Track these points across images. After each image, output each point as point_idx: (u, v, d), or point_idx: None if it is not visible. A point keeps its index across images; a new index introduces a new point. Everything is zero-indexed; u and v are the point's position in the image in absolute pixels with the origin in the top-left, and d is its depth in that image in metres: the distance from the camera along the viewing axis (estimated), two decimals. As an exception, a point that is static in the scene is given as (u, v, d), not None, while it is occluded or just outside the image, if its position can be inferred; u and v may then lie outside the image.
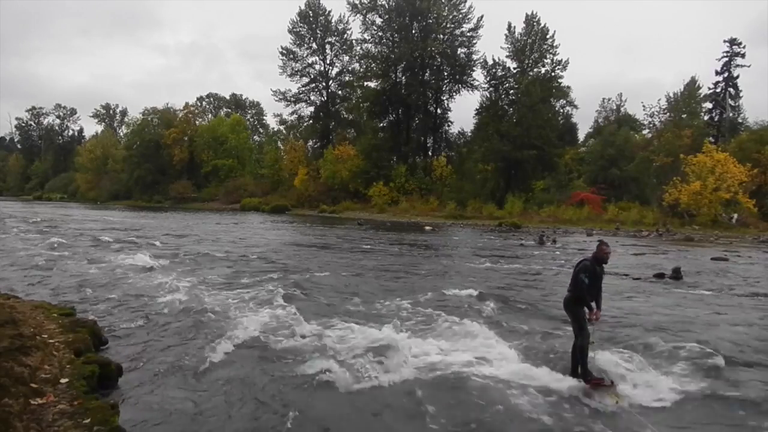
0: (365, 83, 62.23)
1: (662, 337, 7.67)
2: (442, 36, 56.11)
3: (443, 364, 6.53)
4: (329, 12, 63.50)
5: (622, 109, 63.92)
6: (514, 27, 50.66)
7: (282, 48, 64.26)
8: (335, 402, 5.44)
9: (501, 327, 8.36)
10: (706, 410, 5.53)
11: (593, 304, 5.96)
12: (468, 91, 57.58)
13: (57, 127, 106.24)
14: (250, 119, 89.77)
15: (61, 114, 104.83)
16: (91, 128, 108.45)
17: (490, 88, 52.52)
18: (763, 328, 8.78)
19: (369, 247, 21.70)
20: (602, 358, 6.38)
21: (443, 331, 7.92)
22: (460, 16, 55.77)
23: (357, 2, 57.48)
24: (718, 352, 6.99)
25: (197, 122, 77.44)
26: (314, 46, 64.17)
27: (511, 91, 51.28)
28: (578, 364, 5.99)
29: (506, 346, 7.19)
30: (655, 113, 50.99)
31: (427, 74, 58.01)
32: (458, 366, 6.46)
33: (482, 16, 55.49)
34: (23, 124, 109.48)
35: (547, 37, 49.83)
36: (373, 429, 5.00)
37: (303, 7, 63.12)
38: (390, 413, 5.25)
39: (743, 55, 50.01)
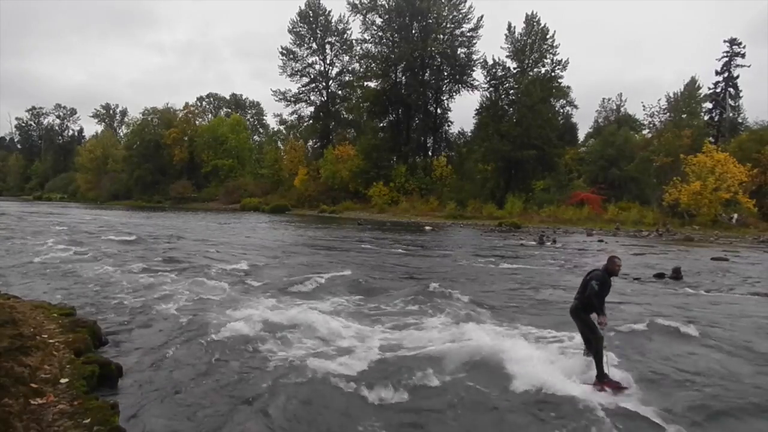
0: (365, 83, 62.36)
1: (660, 335, 7.67)
2: (442, 36, 56.09)
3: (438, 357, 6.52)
4: (329, 12, 63.76)
5: (622, 109, 64.00)
6: (514, 27, 50.78)
7: (282, 48, 64.55)
8: (338, 398, 5.43)
9: (502, 326, 8.35)
10: (714, 410, 5.46)
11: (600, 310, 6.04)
12: (468, 91, 57.81)
13: (57, 127, 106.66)
14: (250, 119, 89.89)
15: (61, 114, 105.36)
16: (91, 128, 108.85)
17: (490, 88, 52.55)
18: (764, 328, 8.77)
19: (368, 246, 21.69)
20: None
21: (444, 329, 7.92)
22: (460, 16, 55.91)
23: (357, 2, 57.60)
24: (719, 351, 6.97)
25: (197, 122, 77.54)
26: (314, 46, 64.31)
27: (511, 91, 51.26)
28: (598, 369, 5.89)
29: (512, 346, 7.05)
30: (655, 113, 51.11)
31: (427, 74, 58.03)
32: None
33: (482, 16, 55.83)
34: (23, 124, 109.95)
35: (547, 37, 49.86)
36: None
37: (303, 7, 63.35)
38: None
39: (743, 55, 50.07)
